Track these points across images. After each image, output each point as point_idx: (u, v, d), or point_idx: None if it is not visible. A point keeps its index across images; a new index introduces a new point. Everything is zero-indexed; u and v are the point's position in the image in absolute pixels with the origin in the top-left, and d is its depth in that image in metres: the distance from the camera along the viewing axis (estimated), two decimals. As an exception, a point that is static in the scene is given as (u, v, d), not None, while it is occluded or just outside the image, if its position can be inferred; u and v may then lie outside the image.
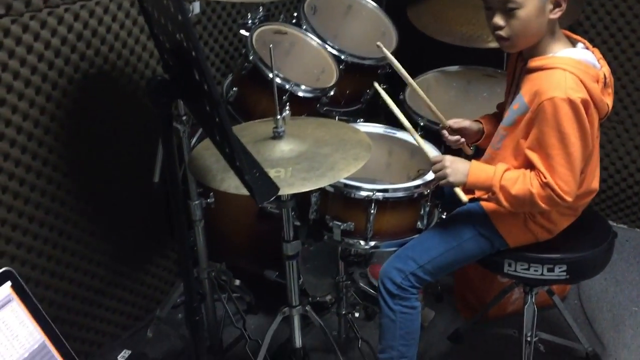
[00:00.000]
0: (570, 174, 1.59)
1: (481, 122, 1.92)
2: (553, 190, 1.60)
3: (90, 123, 2.08)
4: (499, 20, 1.63)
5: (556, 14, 1.62)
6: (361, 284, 2.49)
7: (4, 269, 1.21)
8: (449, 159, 1.72)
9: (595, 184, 1.78)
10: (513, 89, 1.78)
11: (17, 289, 1.22)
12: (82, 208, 2.10)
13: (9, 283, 1.21)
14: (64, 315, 2.11)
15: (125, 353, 1.41)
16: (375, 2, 2.63)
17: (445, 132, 1.91)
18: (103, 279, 2.23)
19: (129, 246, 2.31)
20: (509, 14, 1.60)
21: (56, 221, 2.02)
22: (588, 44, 1.70)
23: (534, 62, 1.66)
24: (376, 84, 1.97)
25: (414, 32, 2.55)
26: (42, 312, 1.25)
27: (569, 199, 1.61)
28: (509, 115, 1.72)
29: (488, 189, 1.68)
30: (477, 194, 1.75)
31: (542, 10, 1.60)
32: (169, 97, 1.31)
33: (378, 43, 1.94)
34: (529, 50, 1.68)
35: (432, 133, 2.12)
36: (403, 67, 2.48)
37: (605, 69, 1.67)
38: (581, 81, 1.58)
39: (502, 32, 1.64)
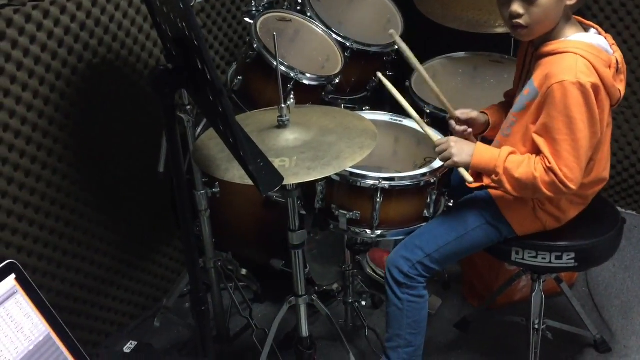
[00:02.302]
0: (575, 161, 1.57)
1: (487, 114, 1.90)
2: (557, 175, 1.58)
3: (94, 113, 2.07)
4: (518, 8, 1.59)
5: (573, 0, 1.60)
6: (368, 272, 2.48)
7: (7, 261, 1.21)
8: (453, 139, 1.72)
9: (606, 172, 1.76)
10: (524, 76, 1.76)
11: (21, 281, 1.22)
12: (87, 198, 2.10)
13: (13, 275, 1.21)
14: (71, 306, 2.12)
15: (131, 344, 1.41)
16: (381, -12, 2.60)
17: (452, 122, 1.89)
18: (110, 269, 2.24)
19: (135, 236, 2.31)
20: (529, 1, 1.57)
21: (62, 212, 2.02)
22: (600, 29, 1.68)
23: (545, 47, 1.63)
24: (379, 74, 1.94)
25: (420, 18, 2.53)
26: (47, 303, 1.25)
27: (572, 186, 1.59)
28: (519, 101, 1.70)
29: (492, 170, 1.66)
30: (485, 181, 1.74)
31: None
32: (172, 86, 1.30)
33: (391, 31, 1.92)
34: (542, 36, 1.66)
35: (438, 121, 2.11)
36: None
37: (618, 55, 1.65)
38: (593, 65, 1.56)
39: (520, 20, 1.60)
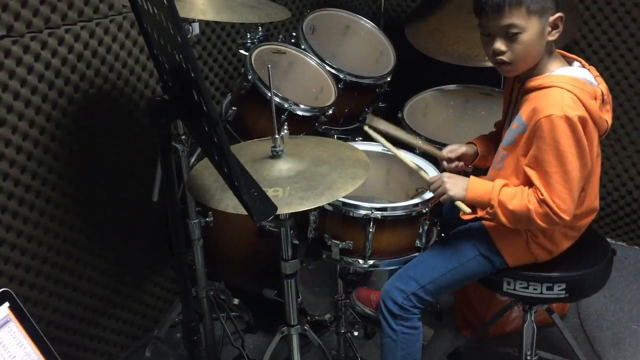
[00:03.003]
0: (567, 192, 1.60)
1: (475, 144, 1.93)
2: (550, 207, 1.60)
3: (89, 142, 2.09)
4: (500, 45, 1.63)
5: (554, 36, 1.64)
6: (359, 304, 2.48)
7: (1, 289, 1.21)
8: (447, 175, 1.75)
9: (596, 202, 1.78)
10: (511, 110, 1.79)
11: (15, 309, 1.22)
12: (80, 227, 2.10)
13: (6, 304, 1.21)
14: (62, 335, 2.11)
15: (122, 374, 1.40)
16: (373, 22, 2.65)
17: (444, 163, 1.92)
18: (101, 298, 2.23)
19: (127, 265, 2.31)
20: (510, 38, 1.61)
21: (54, 240, 2.02)
22: (584, 62, 1.72)
23: (531, 82, 1.67)
24: (366, 128, 1.98)
25: (411, 51, 2.58)
26: (40, 333, 1.25)
27: (566, 217, 1.61)
28: (508, 135, 1.73)
29: (486, 203, 1.68)
30: (479, 213, 1.75)
31: (542, 33, 1.61)
32: (168, 117, 1.31)
33: (365, 128, 1.97)
34: (527, 71, 1.69)
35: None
36: (402, 85, 2.50)
37: (603, 86, 1.68)
38: (579, 99, 1.58)
39: (504, 57, 1.64)
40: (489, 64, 2.40)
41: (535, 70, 1.68)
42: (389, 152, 2.07)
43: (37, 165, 1.93)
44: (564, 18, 1.63)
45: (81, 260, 2.12)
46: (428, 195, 1.83)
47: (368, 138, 2.01)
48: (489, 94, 2.55)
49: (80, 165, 2.06)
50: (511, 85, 1.82)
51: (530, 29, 1.59)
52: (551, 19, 1.61)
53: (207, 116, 1.17)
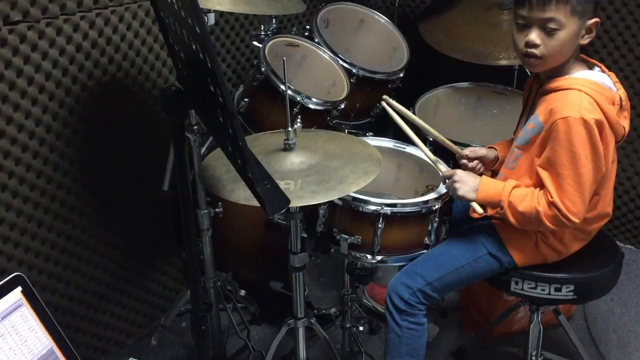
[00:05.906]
0: (578, 195, 1.59)
1: (496, 149, 1.93)
2: (559, 209, 1.59)
3: (101, 130, 2.09)
4: (535, 38, 1.60)
5: (586, 41, 1.64)
6: (365, 299, 2.48)
7: (15, 274, 1.23)
8: (459, 173, 1.74)
9: (609, 208, 1.77)
10: (528, 109, 1.79)
11: (27, 294, 1.23)
12: (90, 214, 2.11)
13: (19, 288, 1.22)
14: (69, 321, 2.12)
15: (132, 362, 1.41)
16: (387, 17, 2.65)
17: (464, 161, 1.92)
18: (109, 286, 2.24)
19: (135, 253, 2.32)
20: (548, 33, 1.59)
21: (64, 226, 2.03)
22: (604, 67, 1.71)
23: (551, 84, 1.66)
24: (384, 103, 1.98)
25: (425, 47, 2.57)
26: (51, 317, 1.26)
27: (575, 219, 1.60)
28: (522, 135, 1.73)
29: (497, 204, 1.68)
30: (490, 212, 1.75)
31: (577, 34, 1.61)
32: (183, 107, 1.32)
33: (384, 97, 1.97)
34: (548, 72, 1.69)
35: (442, 148, 2.12)
36: (414, 82, 2.49)
37: (621, 92, 1.67)
38: (596, 102, 1.58)
39: (535, 50, 1.62)
40: (503, 62, 2.42)
41: (557, 71, 1.67)
42: (400, 149, 2.07)
43: (49, 151, 1.93)
44: (599, 24, 1.62)
45: (90, 246, 2.13)
46: (438, 192, 1.83)
47: (379, 132, 2.01)
48: (502, 92, 2.54)
49: (91, 152, 2.07)
50: (530, 85, 1.81)
51: (569, 27, 1.58)
52: (588, 22, 1.61)
53: (224, 108, 1.17)
